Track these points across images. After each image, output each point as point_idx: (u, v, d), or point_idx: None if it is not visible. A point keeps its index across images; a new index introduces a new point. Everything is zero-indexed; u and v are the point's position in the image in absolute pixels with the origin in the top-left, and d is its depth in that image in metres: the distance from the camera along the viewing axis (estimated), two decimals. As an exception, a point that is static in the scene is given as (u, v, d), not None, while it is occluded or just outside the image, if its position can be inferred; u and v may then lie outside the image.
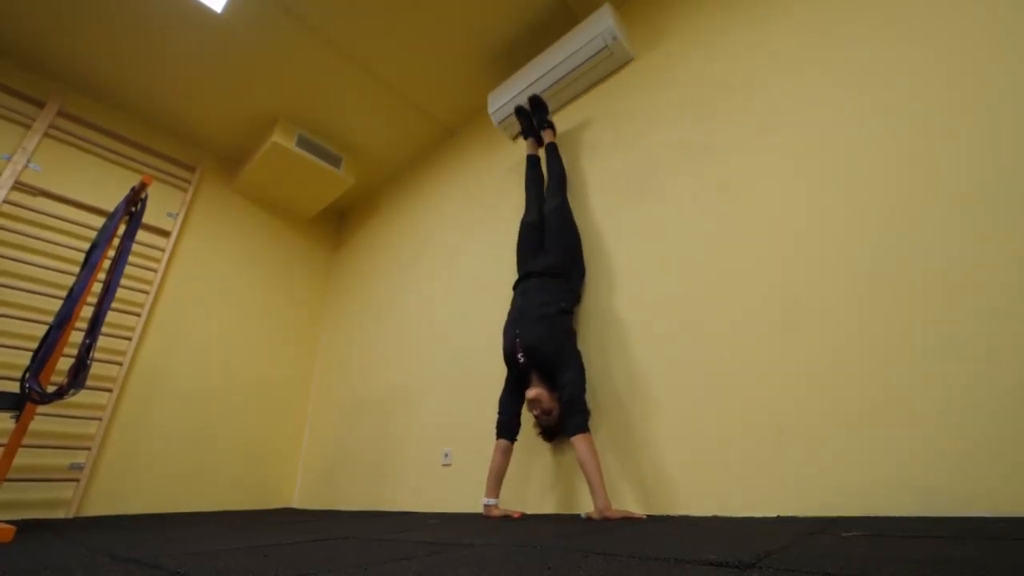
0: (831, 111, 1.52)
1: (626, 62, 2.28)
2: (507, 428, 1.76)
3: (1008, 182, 1.15)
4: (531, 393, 1.69)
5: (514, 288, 1.99)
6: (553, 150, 2.30)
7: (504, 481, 1.74)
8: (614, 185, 2.10)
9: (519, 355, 1.75)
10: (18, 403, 1.56)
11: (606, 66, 2.29)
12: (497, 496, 1.69)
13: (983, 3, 1.32)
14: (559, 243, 1.99)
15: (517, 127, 2.55)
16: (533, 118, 2.40)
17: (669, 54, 2.12)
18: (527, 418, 1.80)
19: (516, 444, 1.78)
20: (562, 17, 2.47)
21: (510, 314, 1.90)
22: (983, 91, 1.25)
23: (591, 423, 1.56)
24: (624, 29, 2.26)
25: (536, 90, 2.41)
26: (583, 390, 1.60)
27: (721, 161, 1.75)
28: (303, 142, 3.09)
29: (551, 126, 2.38)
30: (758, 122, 1.70)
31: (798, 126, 1.59)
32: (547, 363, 1.69)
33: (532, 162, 2.38)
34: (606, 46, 2.19)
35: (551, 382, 1.70)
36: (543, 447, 1.88)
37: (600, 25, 2.18)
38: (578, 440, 1.49)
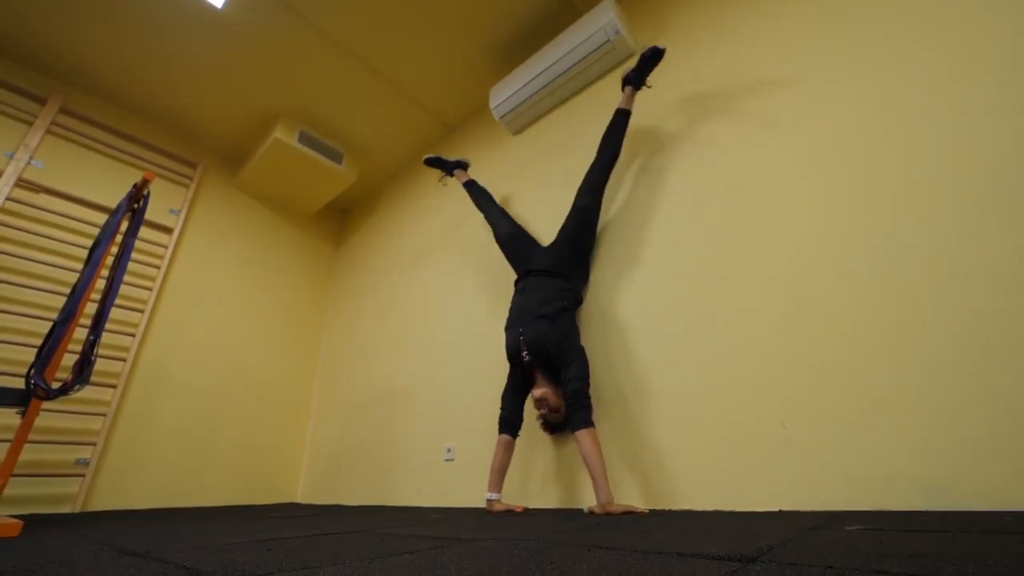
0: (834, 109, 1.51)
1: (628, 57, 2.26)
2: (509, 424, 1.76)
3: (1010, 180, 1.14)
4: (537, 392, 1.71)
5: (515, 285, 1.99)
6: (623, 120, 1.95)
7: (506, 476, 1.75)
8: (616, 181, 2.09)
9: (523, 352, 1.75)
10: (23, 399, 1.58)
11: (608, 61, 2.27)
12: (499, 491, 1.70)
13: (985, 2, 1.31)
14: (570, 243, 1.95)
15: (520, 121, 2.57)
16: (636, 71, 1.93)
17: (671, 50, 2.11)
18: (529, 414, 1.81)
19: (518, 439, 1.79)
20: (564, 11, 2.45)
21: (511, 312, 1.90)
22: (985, 90, 1.24)
23: (594, 417, 1.56)
24: (626, 23, 2.24)
25: (538, 86, 2.39)
26: (587, 384, 1.60)
27: (723, 158, 1.74)
28: (305, 138, 3.09)
29: (642, 87, 1.96)
30: (761, 119, 1.69)
31: (801, 123, 1.58)
32: (551, 360, 1.70)
33: (470, 186, 2.50)
34: (608, 40, 2.18)
35: (555, 378, 1.71)
36: (545, 442, 1.88)
37: (602, 19, 2.16)
38: (582, 435, 1.49)
